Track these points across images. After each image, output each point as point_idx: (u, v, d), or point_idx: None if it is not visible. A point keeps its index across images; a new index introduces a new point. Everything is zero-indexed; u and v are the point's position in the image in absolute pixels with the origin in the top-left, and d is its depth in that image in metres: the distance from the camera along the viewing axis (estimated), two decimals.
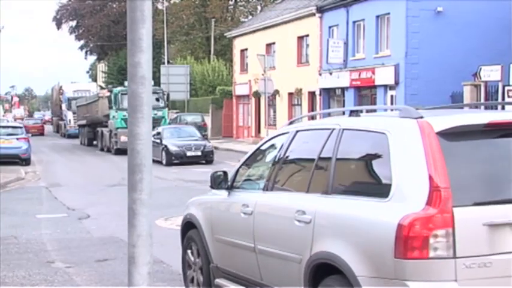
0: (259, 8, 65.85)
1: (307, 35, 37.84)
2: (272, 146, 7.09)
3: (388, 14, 30.79)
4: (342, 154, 5.68)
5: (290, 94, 39.58)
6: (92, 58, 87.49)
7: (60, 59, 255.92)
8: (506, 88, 21.95)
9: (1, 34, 65.54)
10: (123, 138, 34.07)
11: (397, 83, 30.05)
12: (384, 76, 30.67)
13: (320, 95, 36.45)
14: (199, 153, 29.40)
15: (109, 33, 69.14)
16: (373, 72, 31.37)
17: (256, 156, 7.33)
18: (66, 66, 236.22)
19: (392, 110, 6.83)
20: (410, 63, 29.56)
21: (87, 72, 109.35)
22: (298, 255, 5.68)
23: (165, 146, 29.79)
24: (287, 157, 6.50)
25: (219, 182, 7.29)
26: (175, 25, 64.70)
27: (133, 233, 3.80)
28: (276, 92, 38.59)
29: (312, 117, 9.37)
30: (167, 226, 13.80)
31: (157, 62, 56.18)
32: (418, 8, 29.39)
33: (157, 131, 31.46)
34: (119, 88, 37.22)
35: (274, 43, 41.29)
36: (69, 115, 55.33)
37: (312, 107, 37.65)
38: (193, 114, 45.96)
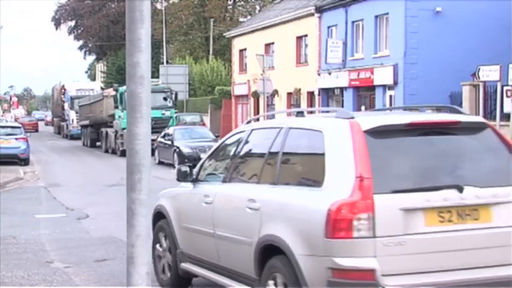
0: (258, 8, 65.86)
1: (306, 35, 37.84)
2: (231, 143, 7.88)
3: (387, 14, 30.79)
4: (287, 149, 6.53)
5: (289, 94, 39.59)
6: (91, 58, 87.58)
7: (59, 59, 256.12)
8: (505, 88, 21.96)
9: (1, 34, 65.44)
10: None
11: (395, 83, 30.06)
12: (382, 76, 30.67)
13: (319, 95, 36.46)
14: None
15: (108, 33, 69.15)
16: (372, 72, 31.37)
17: (218, 152, 8.17)
18: (65, 66, 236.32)
19: (329, 111, 7.61)
20: (409, 63, 29.56)
21: (86, 72, 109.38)
22: (249, 238, 6.46)
23: (177, 147, 28.55)
24: (243, 152, 7.40)
25: (185, 175, 8.08)
26: (174, 25, 64.71)
27: (132, 233, 3.80)
28: (275, 92, 38.59)
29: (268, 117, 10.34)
30: None
31: (156, 62, 56.18)
32: (417, 8, 29.39)
33: (166, 131, 31.04)
34: (125, 87, 38.50)
35: (273, 43, 41.28)
36: (72, 115, 53.54)
37: (311, 107, 37.62)
38: (192, 114, 45.92)
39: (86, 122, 44.75)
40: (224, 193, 7.38)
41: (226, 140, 8.12)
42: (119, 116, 35.56)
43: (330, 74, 34.57)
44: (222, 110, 48.57)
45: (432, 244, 5.56)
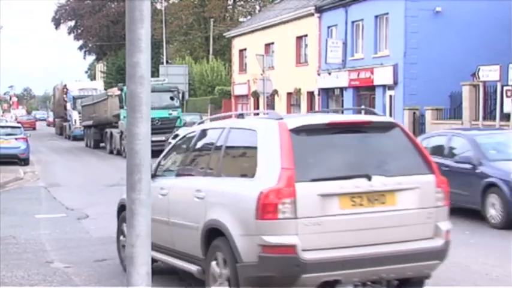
0: (258, 8, 65.86)
1: (306, 35, 37.84)
2: (184, 142, 8.94)
3: (387, 14, 30.79)
4: (228, 146, 7.65)
5: (289, 94, 39.59)
6: (91, 58, 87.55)
7: (59, 59, 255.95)
8: (505, 88, 21.94)
9: (1, 34, 65.33)
10: None
11: (395, 83, 30.05)
12: (382, 76, 30.67)
13: (319, 95, 36.47)
14: None
15: (108, 33, 69.12)
16: (372, 72, 31.37)
17: (173, 151, 9.18)
18: (65, 66, 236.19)
19: (265, 113, 9.11)
20: (409, 63, 29.56)
21: (86, 72, 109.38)
22: (197, 223, 7.43)
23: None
24: (193, 150, 8.47)
25: None
26: (174, 25, 64.72)
27: (132, 233, 3.80)
28: (275, 92, 38.60)
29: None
30: None
31: (156, 62, 56.16)
32: (416, 8, 29.38)
33: (176, 133, 28.79)
34: None
35: (273, 43, 41.29)
36: (75, 115, 51.73)
37: (311, 107, 37.65)
38: (192, 114, 45.87)
39: (89, 123, 43.26)
40: (177, 186, 8.43)
41: (179, 140, 9.14)
42: (125, 116, 35.40)
43: (329, 74, 34.57)
44: (222, 110, 48.58)
45: (345, 224, 6.64)
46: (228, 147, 7.64)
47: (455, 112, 27.25)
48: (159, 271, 9.34)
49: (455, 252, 10.52)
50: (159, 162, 9.05)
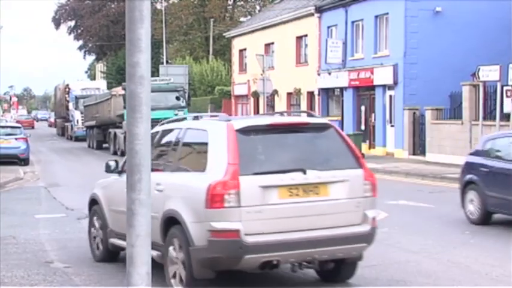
0: (258, 8, 65.85)
1: (306, 35, 37.83)
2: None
3: (387, 14, 30.78)
4: (184, 145, 8.75)
5: (289, 94, 39.59)
6: (91, 58, 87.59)
7: (58, 59, 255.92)
8: (505, 88, 21.93)
9: (1, 34, 65.23)
10: None
11: (395, 83, 30.04)
12: (382, 76, 30.66)
13: (319, 95, 36.47)
14: None
15: (108, 33, 69.16)
16: (372, 72, 31.36)
17: None
18: (65, 66, 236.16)
19: (216, 116, 11.42)
20: (409, 63, 29.55)
21: (86, 72, 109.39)
22: (157, 213, 8.13)
23: None
24: (155, 148, 9.05)
25: (112, 169, 10.10)
26: (174, 25, 64.74)
27: (132, 233, 3.80)
28: (275, 92, 38.59)
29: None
30: None
31: (156, 62, 56.15)
32: (416, 8, 29.37)
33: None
34: None
35: (273, 43, 41.28)
36: (77, 115, 50.20)
37: (310, 107, 37.63)
38: (192, 114, 45.82)
39: (92, 123, 41.95)
40: None
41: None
42: None
43: (329, 74, 34.56)
44: (222, 110, 48.57)
45: (283, 212, 7.68)
46: (183, 145, 8.77)
47: (455, 112, 27.25)
48: (159, 271, 9.35)
49: (455, 252, 10.55)
50: (126, 160, 9.98)
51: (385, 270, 9.46)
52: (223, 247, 7.45)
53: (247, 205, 7.47)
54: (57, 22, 75.12)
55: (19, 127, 33.09)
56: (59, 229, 13.64)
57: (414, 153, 28.84)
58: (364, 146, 30.83)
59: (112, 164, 10.11)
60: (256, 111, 43.93)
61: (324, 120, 9.17)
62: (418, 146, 28.85)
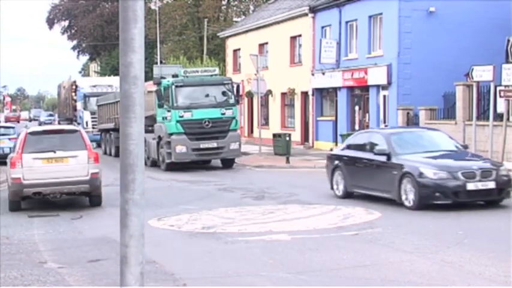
0: (251, 8, 65.85)
1: (300, 35, 37.86)
2: (17, 141, 17.52)
3: (381, 14, 30.83)
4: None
5: (283, 94, 39.60)
6: (84, 58, 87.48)
7: (52, 59, 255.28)
8: (498, 88, 21.98)
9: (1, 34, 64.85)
10: (180, 148, 26.12)
11: (389, 83, 30.09)
12: (376, 76, 30.70)
13: (313, 95, 36.49)
14: (491, 186, 14.78)
15: (102, 33, 69.10)
16: (366, 72, 31.40)
17: (14, 148, 18.87)
18: (59, 66, 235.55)
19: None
20: (403, 63, 29.60)
21: (80, 72, 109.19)
22: None
23: (408, 172, 15.03)
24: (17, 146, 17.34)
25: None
26: (168, 25, 64.64)
27: (125, 233, 3.79)
28: (269, 92, 38.60)
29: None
30: (160, 226, 13.79)
31: (150, 62, 56.11)
32: (410, 8, 29.42)
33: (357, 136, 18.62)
34: (171, 79, 27.10)
35: (267, 43, 41.31)
36: (87, 116, 43.51)
37: (304, 107, 37.68)
38: None
39: (110, 126, 34.85)
40: None
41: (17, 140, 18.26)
42: (164, 118, 26.87)
43: (323, 74, 34.59)
44: None
45: (42, 169, 16.47)
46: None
47: (448, 112, 27.31)
48: (160, 271, 9.35)
49: (448, 252, 10.57)
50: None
51: (379, 270, 9.47)
52: (14, 185, 16.45)
53: (26, 166, 16.31)
54: (50, 22, 75.03)
55: (13, 127, 33.10)
56: (53, 229, 13.63)
57: None
58: None
59: None
60: (251, 111, 43.97)
61: (74, 127, 20.62)
62: None
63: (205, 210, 15.81)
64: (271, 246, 11.27)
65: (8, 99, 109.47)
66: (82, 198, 18.03)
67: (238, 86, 28.96)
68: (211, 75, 28.20)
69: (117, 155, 32.63)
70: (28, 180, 16.09)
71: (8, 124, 37.96)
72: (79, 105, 47.08)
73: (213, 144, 26.25)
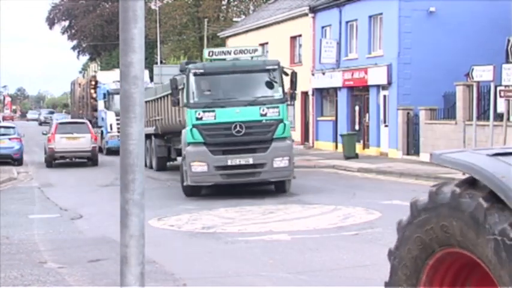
0: (252, 8, 65.87)
1: (300, 35, 37.87)
2: None
3: (381, 14, 30.82)
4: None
5: None
6: (85, 58, 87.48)
7: (52, 59, 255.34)
8: (499, 88, 21.98)
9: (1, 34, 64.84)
10: (197, 166, 17.97)
11: (389, 83, 30.08)
12: (376, 76, 30.70)
13: (313, 95, 36.49)
14: None
15: (102, 33, 69.10)
16: (366, 72, 31.40)
17: None
18: (59, 66, 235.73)
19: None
20: (403, 63, 29.59)
21: (80, 72, 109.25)
22: None
23: None
24: None
25: None
26: (168, 25, 64.64)
27: (125, 233, 3.79)
28: None
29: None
30: (160, 226, 13.80)
31: (150, 62, 56.12)
32: (410, 8, 29.42)
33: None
34: (190, 65, 19.61)
35: (267, 43, 41.29)
36: (111, 118, 36.39)
37: (305, 107, 37.68)
38: None
39: (149, 130, 26.47)
40: None
41: None
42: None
43: (324, 74, 34.59)
44: None
45: (66, 143, 29.85)
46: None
47: (449, 112, 27.31)
48: (159, 270, 9.35)
49: None
50: None
51: (379, 270, 9.46)
52: (50, 151, 29.67)
53: (56, 141, 29.11)
54: (51, 22, 75.03)
55: (13, 127, 33.11)
56: (53, 229, 13.63)
57: (408, 153, 28.88)
58: (358, 146, 30.88)
59: None
60: None
61: (83, 120, 34.65)
62: (412, 146, 28.90)
63: (205, 210, 15.82)
64: (271, 246, 11.28)
65: (8, 99, 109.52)
66: (83, 198, 17.98)
67: (293, 74, 20.36)
68: (252, 57, 20.34)
69: (161, 168, 26.94)
70: (57, 149, 29.47)
71: (9, 124, 37.93)
72: (100, 104, 39.16)
73: (248, 160, 18.31)
